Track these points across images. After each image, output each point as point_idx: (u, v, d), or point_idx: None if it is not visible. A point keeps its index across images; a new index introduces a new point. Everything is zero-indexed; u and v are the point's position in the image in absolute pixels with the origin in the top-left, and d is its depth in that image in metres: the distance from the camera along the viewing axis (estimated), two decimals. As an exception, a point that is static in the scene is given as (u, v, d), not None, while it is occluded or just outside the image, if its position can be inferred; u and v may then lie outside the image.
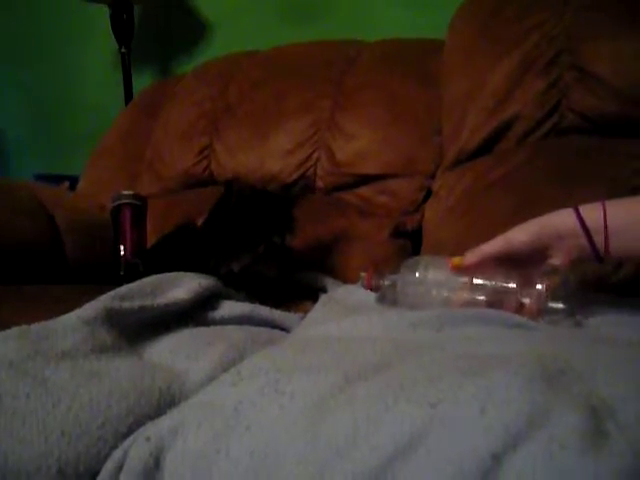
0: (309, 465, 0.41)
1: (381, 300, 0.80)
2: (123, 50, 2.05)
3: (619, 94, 1.03)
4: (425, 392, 0.43)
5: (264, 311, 0.88)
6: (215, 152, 1.58)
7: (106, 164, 1.81)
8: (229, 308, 0.86)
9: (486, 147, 1.18)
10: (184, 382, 0.62)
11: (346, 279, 1.13)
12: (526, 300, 0.66)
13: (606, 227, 0.65)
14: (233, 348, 0.70)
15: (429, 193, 1.29)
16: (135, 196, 1.32)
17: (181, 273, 0.87)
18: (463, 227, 1.11)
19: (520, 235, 0.68)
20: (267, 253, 0.99)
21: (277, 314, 0.89)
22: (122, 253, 1.26)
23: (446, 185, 1.21)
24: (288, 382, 0.49)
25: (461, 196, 1.16)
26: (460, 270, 0.71)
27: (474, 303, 0.69)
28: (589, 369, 0.45)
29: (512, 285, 0.68)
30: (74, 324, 0.66)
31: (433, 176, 1.29)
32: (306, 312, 0.90)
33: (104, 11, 2.05)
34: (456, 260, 0.71)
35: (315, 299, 0.94)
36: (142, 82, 2.13)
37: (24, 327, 0.64)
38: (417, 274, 0.74)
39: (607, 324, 0.66)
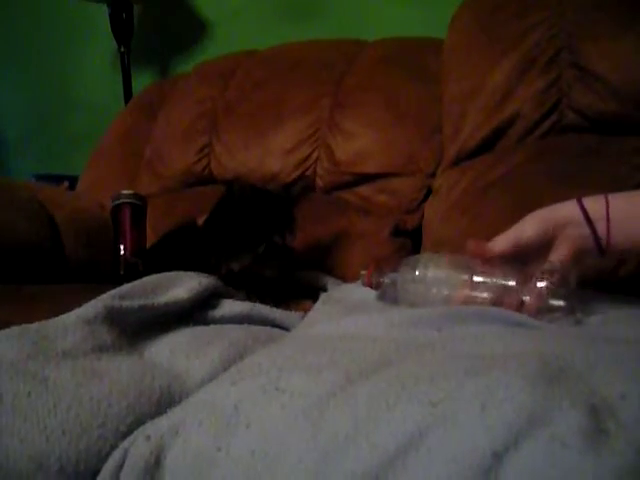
0: (310, 463, 0.41)
1: (381, 298, 0.80)
2: (122, 49, 2.05)
3: (619, 93, 1.03)
4: (426, 391, 0.43)
5: (264, 310, 0.88)
6: (215, 151, 1.58)
7: (105, 164, 1.81)
8: (229, 307, 0.86)
9: (486, 146, 1.18)
10: (184, 381, 0.62)
11: (346, 278, 1.13)
12: (527, 298, 0.66)
13: (608, 218, 0.66)
14: (233, 347, 0.70)
15: (429, 192, 1.29)
16: (135, 195, 1.32)
17: (181, 272, 0.88)
18: (463, 226, 1.11)
19: (529, 229, 0.68)
20: (267, 253, 0.99)
21: (277, 313, 0.89)
22: (122, 252, 1.26)
23: (446, 184, 1.21)
24: (288, 381, 0.49)
25: (461, 195, 1.16)
26: (481, 258, 0.71)
27: (475, 301, 0.69)
28: (590, 368, 0.45)
29: (512, 283, 0.68)
30: (74, 323, 0.66)
31: (433, 175, 1.29)
32: (306, 311, 0.90)
33: (103, 10, 2.05)
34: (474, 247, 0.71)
35: (315, 298, 0.94)
36: (142, 81, 2.13)
37: (24, 326, 0.64)
38: (417, 272, 0.73)
39: (607, 322, 0.66)
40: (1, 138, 2.70)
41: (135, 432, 0.51)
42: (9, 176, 2.59)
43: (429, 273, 0.73)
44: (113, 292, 0.74)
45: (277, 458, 0.42)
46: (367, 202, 1.37)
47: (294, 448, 0.42)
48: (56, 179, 2.10)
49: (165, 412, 0.53)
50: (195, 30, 2.13)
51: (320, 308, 0.87)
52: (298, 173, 1.45)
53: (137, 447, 0.48)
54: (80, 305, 0.69)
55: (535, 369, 0.43)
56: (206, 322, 0.83)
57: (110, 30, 2.04)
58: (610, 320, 0.66)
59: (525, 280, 0.67)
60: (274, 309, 0.90)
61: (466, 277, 0.71)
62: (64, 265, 1.38)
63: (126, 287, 0.77)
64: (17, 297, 1.05)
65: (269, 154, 1.47)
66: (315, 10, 1.89)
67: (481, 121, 1.18)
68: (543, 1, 1.16)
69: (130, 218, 1.29)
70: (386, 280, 0.78)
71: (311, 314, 0.86)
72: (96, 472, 0.49)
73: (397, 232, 1.26)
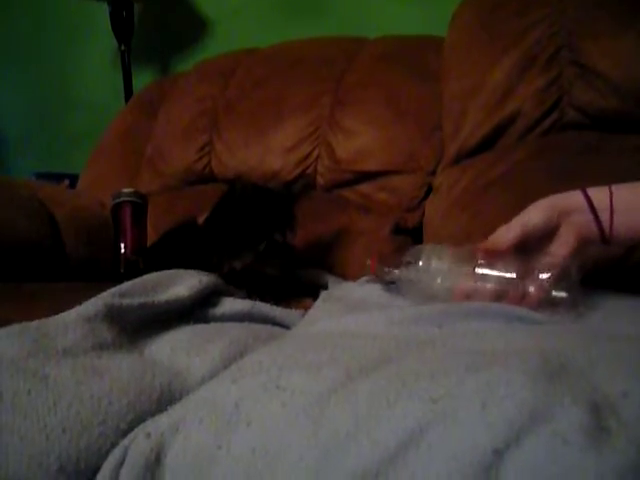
0: (310, 461, 0.41)
1: (384, 288, 0.80)
2: (123, 48, 2.05)
3: (620, 90, 1.03)
4: (427, 387, 0.43)
5: (265, 308, 0.88)
6: (215, 149, 1.58)
7: (106, 162, 1.81)
8: (230, 305, 0.86)
9: (487, 144, 1.18)
10: (185, 379, 0.62)
11: (347, 276, 1.13)
12: (529, 289, 0.66)
13: (612, 208, 0.66)
14: (234, 345, 0.70)
15: (430, 190, 1.29)
16: (135, 194, 1.32)
17: (181, 270, 0.87)
18: (464, 223, 1.11)
19: (534, 217, 0.68)
20: (269, 251, 0.99)
21: (278, 311, 0.89)
22: (122, 251, 1.27)
23: (447, 182, 1.21)
24: (289, 378, 0.49)
25: (462, 193, 1.16)
26: (491, 255, 0.71)
27: (478, 292, 0.69)
28: (591, 365, 0.45)
29: (515, 274, 0.68)
30: (75, 321, 0.66)
31: (434, 173, 1.29)
32: (307, 309, 0.90)
33: (104, 8, 2.05)
34: (487, 245, 0.71)
35: (316, 296, 0.94)
36: (142, 80, 2.13)
37: (25, 324, 0.64)
38: (421, 263, 0.74)
39: (609, 319, 0.66)
40: (1, 136, 2.70)
41: (135, 430, 0.51)
42: (9, 174, 2.59)
43: (432, 264, 0.73)
44: (113, 290, 0.74)
45: (278, 456, 0.42)
46: (368, 200, 1.37)
47: (295, 446, 0.42)
48: (57, 177, 2.10)
49: (166, 410, 0.53)
50: (195, 28, 2.13)
51: (321, 306, 0.87)
52: (299, 171, 1.45)
53: (137, 445, 0.48)
54: (80, 303, 0.69)
55: (536, 366, 0.43)
56: (207, 320, 0.83)
57: (110, 28, 2.04)
58: (612, 317, 0.66)
59: (528, 272, 0.67)
60: (275, 307, 0.90)
61: (469, 268, 0.71)
62: (64, 263, 1.38)
63: (126, 285, 0.76)
64: (17, 295, 1.05)
65: (270, 152, 1.47)
66: (315, 8, 1.89)
67: (482, 119, 1.18)
68: (544, -1, 1.16)
69: (131, 216, 1.29)
70: (390, 270, 0.78)
71: (312, 312, 0.86)
72: (96, 470, 0.49)
73: (398, 230, 1.26)
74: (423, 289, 0.74)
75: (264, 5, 1.99)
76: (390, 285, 0.80)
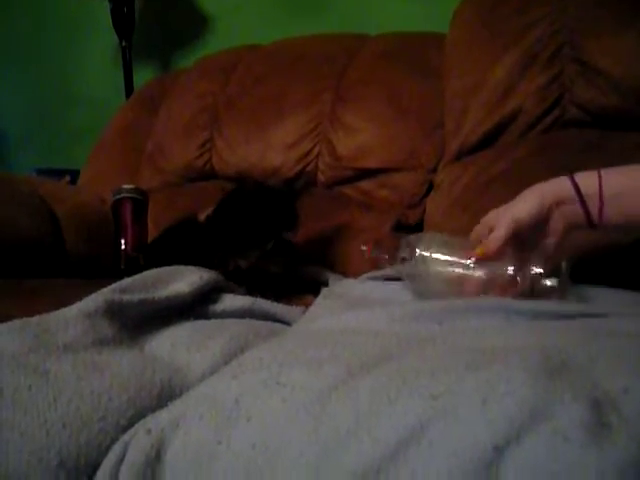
0: (311, 457, 0.41)
1: (386, 285, 0.81)
2: (124, 44, 2.05)
3: (621, 87, 1.03)
4: (427, 384, 0.43)
5: (265, 305, 0.88)
6: (216, 146, 1.58)
7: (107, 158, 1.81)
8: (230, 301, 0.86)
9: (488, 141, 1.18)
10: (185, 375, 0.62)
11: (347, 273, 1.13)
12: (520, 278, 0.67)
13: (601, 193, 0.66)
14: (234, 341, 0.70)
15: (431, 187, 1.29)
16: (136, 190, 1.32)
17: (182, 267, 0.87)
18: (465, 221, 1.11)
19: (525, 209, 0.69)
20: (275, 249, 0.99)
21: (278, 307, 0.89)
22: (123, 247, 1.27)
23: (448, 179, 1.21)
24: (290, 375, 0.49)
25: (463, 190, 1.16)
26: (485, 259, 0.71)
27: (470, 281, 0.71)
28: (592, 361, 0.44)
29: (509, 265, 0.69)
30: (75, 317, 0.66)
31: (435, 170, 1.29)
32: (307, 306, 0.90)
33: (105, 5, 2.04)
34: (479, 251, 0.71)
35: (316, 293, 0.94)
36: (143, 76, 2.13)
37: (25, 320, 0.64)
38: (418, 251, 0.74)
39: (609, 316, 0.65)
40: (2, 132, 2.70)
41: (136, 425, 0.51)
42: (11, 170, 2.59)
43: (429, 252, 0.74)
44: (114, 286, 0.74)
45: (278, 452, 0.42)
46: (369, 197, 1.37)
47: (295, 442, 0.42)
48: (58, 173, 2.10)
49: (166, 405, 0.53)
50: (196, 24, 2.12)
51: (321, 303, 0.87)
52: (299, 168, 1.45)
53: (138, 440, 0.48)
54: (81, 299, 0.69)
55: (537, 363, 0.43)
56: (207, 316, 0.83)
57: (111, 25, 2.04)
58: (612, 314, 0.66)
59: (519, 261, 0.68)
60: (275, 304, 0.90)
61: (464, 257, 0.72)
62: (65, 259, 1.38)
63: (127, 281, 0.76)
64: (18, 291, 1.05)
65: (270, 149, 1.47)
66: (317, 4, 1.89)
67: (483, 116, 1.18)
68: (544, -3, 1.16)
69: (131, 212, 1.29)
70: (386, 257, 0.79)
71: (312, 309, 0.86)
72: (96, 466, 0.49)
73: (399, 227, 1.26)
74: (419, 277, 0.75)
75: (265, 1, 1.99)
76: (390, 278, 0.80)
